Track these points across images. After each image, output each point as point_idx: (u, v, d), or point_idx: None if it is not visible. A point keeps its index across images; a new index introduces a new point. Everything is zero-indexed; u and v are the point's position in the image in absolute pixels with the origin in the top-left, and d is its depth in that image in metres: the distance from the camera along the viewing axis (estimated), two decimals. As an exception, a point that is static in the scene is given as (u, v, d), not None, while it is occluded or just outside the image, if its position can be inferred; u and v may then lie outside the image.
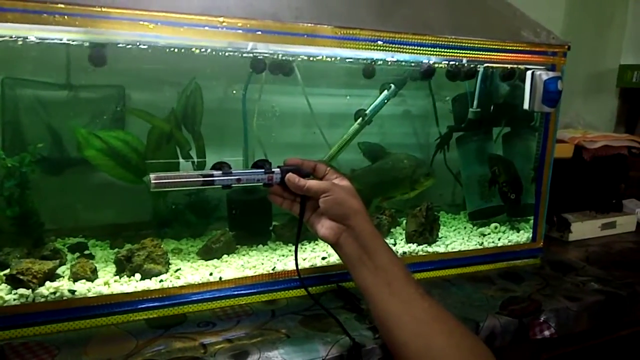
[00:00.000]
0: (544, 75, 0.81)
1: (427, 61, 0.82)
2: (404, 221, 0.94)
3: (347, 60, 0.81)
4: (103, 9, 0.56)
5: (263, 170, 0.64)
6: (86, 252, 0.76)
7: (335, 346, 0.60)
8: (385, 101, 0.94)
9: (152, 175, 0.58)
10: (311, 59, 0.77)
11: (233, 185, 0.63)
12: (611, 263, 0.94)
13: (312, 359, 0.58)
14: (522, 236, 0.92)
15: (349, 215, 0.61)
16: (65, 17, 0.55)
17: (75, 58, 0.77)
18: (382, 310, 0.58)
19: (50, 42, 0.62)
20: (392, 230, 0.93)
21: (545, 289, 0.80)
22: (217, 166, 0.63)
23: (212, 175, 0.62)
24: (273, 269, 0.74)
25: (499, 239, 0.91)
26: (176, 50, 0.67)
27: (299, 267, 0.73)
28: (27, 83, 0.79)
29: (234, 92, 0.87)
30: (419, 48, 0.74)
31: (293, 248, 0.69)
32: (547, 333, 0.73)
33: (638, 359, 0.90)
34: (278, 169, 0.65)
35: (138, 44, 0.64)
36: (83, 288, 0.63)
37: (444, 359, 0.54)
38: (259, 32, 0.64)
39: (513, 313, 0.71)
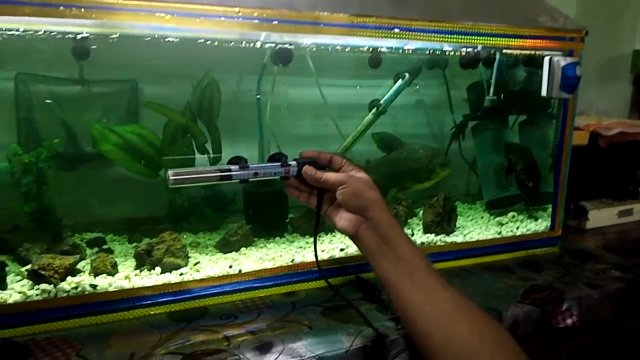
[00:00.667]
0: (562, 61, 0.80)
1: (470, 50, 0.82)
2: (421, 211, 0.93)
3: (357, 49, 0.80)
4: (120, 1, 0.55)
5: (280, 163, 0.64)
6: (104, 246, 0.76)
7: (359, 337, 0.60)
8: (400, 91, 0.93)
9: (170, 172, 0.58)
10: (322, 48, 0.76)
11: (250, 179, 0.63)
12: (629, 250, 0.93)
13: (336, 350, 0.58)
14: (540, 225, 0.91)
15: (367, 207, 0.61)
16: (82, 9, 0.54)
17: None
18: (404, 301, 0.58)
19: (64, 36, 0.62)
20: (409, 220, 0.93)
21: (565, 277, 0.79)
22: (233, 161, 0.63)
23: (229, 170, 0.61)
24: (292, 261, 0.74)
25: (517, 228, 0.90)
26: (192, 42, 0.67)
27: (319, 259, 0.73)
28: (40, 78, 0.78)
29: (258, 95, 0.86)
30: (436, 35, 0.73)
31: (310, 240, 0.69)
32: (569, 321, 0.72)
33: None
34: (294, 162, 0.64)
35: (156, 36, 0.63)
36: (104, 282, 0.64)
37: (467, 348, 0.54)
38: (275, 22, 0.63)
39: (535, 302, 0.70)
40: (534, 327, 0.70)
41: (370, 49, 0.84)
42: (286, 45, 0.74)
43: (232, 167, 0.61)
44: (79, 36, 0.65)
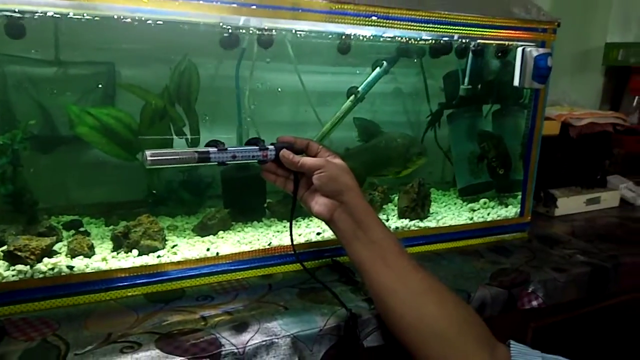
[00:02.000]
0: (534, 51, 0.82)
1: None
2: (396, 197, 0.95)
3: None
4: (97, -18, 0.55)
5: (258, 147, 0.65)
6: (81, 229, 0.76)
7: (333, 317, 0.62)
8: (378, 78, 0.94)
9: (148, 152, 0.58)
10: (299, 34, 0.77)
11: (228, 162, 0.63)
12: (596, 236, 0.97)
13: (310, 329, 0.60)
14: (510, 211, 0.94)
15: (343, 192, 0.62)
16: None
17: (64, 33, 0.76)
18: (376, 282, 0.60)
19: (38, 16, 0.61)
20: (384, 206, 0.95)
21: (532, 261, 0.83)
22: (211, 144, 0.64)
23: (207, 152, 0.62)
24: (269, 244, 0.75)
25: (488, 214, 0.93)
26: (167, 25, 0.67)
27: (295, 242, 0.75)
28: (15, 59, 0.77)
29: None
30: (412, 24, 0.74)
31: (288, 224, 0.70)
32: (535, 303, 0.75)
33: (623, 327, 0.93)
34: (272, 146, 0.65)
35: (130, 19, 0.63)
36: (81, 264, 0.64)
37: (437, 328, 0.56)
38: (254, 7, 0.64)
39: (502, 284, 0.73)
40: (500, 309, 0.73)
41: (342, 36, 0.84)
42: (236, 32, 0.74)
43: (211, 149, 0.62)
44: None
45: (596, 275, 0.82)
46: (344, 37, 0.80)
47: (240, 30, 0.74)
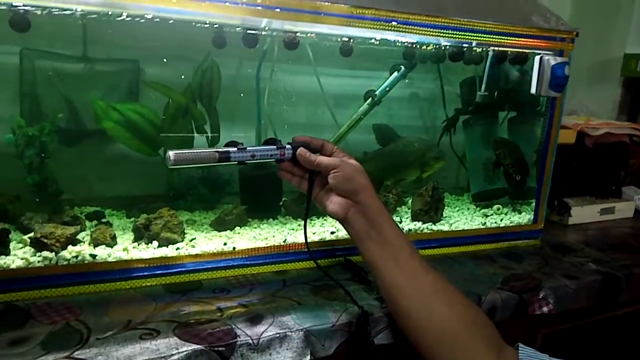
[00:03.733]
0: (552, 60, 0.83)
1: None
2: (410, 200, 0.96)
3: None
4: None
5: (275, 146, 0.66)
6: (103, 220, 0.79)
7: (345, 314, 0.63)
8: (395, 82, 0.96)
9: (170, 152, 0.59)
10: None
11: (247, 161, 0.65)
12: (609, 246, 0.97)
13: (323, 324, 0.61)
14: (523, 218, 0.94)
15: (358, 191, 0.64)
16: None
17: (92, 31, 0.78)
18: (388, 282, 0.61)
19: (67, 14, 0.63)
20: (398, 208, 0.96)
21: (544, 267, 0.83)
22: (230, 144, 0.65)
23: (228, 152, 0.63)
24: (284, 241, 0.77)
25: (501, 220, 0.93)
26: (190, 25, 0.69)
27: (309, 240, 0.76)
28: (45, 54, 0.80)
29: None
30: (431, 30, 0.76)
31: (302, 222, 0.71)
32: (545, 309, 0.76)
33: (632, 337, 0.93)
34: (289, 146, 0.67)
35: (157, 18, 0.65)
36: (103, 253, 0.66)
37: (446, 328, 0.57)
38: (278, 9, 0.66)
39: (514, 289, 0.74)
40: (511, 313, 0.73)
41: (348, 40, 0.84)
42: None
43: (231, 149, 0.64)
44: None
45: (607, 284, 0.82)
46: (346, 40, 0.80)
47: (262, 32, 0.76)
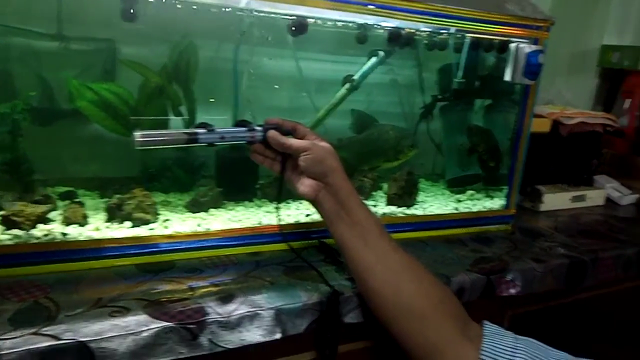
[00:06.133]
0: (526, 48, 0.84)
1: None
2: (386, 185, 0.97)
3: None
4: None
5: (246, 128, 0.66)
6: (76, 199, 0.78)
7: (316, 293, 0.64)
8: (373, 68, 0.96)
9: (137, 133, 0.59)
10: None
11: (217, 143, 0.65)
12: (578, 232, 1.00)
13: (294, 303, 0.62)
14: (495, 203, 0.96)
15: (328, 174, 0.65)
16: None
17: (67, 9, 0.77)
18: (357, 261, 0.63)
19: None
20: (373, 193, 0.97)
21: (514, 251, 0.85)
22: (200, 126, 0.65)
23: (196, 134, 0.63)
24: (259, 223, 0.77)
25: (474, 205, 0.95)
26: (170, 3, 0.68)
27: (283, 222, 0.77)
28: (17, 31, 0.79)
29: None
30: (408, 14, 0.76)
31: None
32: (512, 291, 0.78)
33: (597, 320, 0.96)
34: (260, 128, 0.67)
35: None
36: (74, 232, 0.66)
37: (413, 305, 0.59)
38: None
39: (482, 271, 0.76)
40: (479, 294, 0.75)
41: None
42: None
43: (199, 130, 0.63)
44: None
45: (574, 268, 0.85)
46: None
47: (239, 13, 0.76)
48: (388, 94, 1.12)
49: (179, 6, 0.70)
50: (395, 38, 0.86)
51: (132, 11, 0.67)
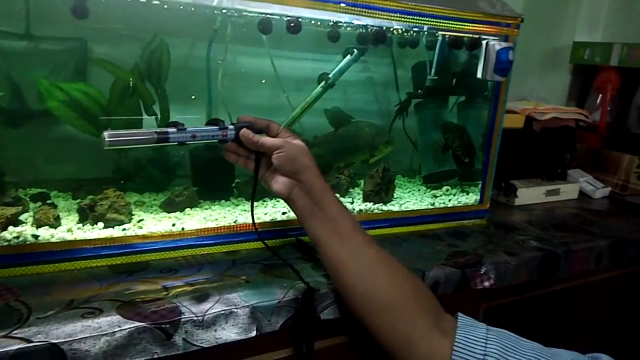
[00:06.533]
0: (497, 45, 0.85)
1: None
2: (362, 182, 0.98)
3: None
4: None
5: (217, 127, 0.66)
6: (48, 201, 0.77)
7: (292, 290, 0.64)
8: (348, 66, 0.97)
9: (106, 133, 0.58)
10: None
11: (188, 142, 0.64)
12: (552, 225, 1.02)
13: (269, 300, 0.62)
14: (470, 198, 0.98)
15: (301, 171, 0.65)
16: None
17: (36, 7, 0.76)
18: (332, 257, 0.63)
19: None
20: (350, 190, 0.97)
21: (488, 245, 0.87)
22: (170, 125, 0.64)
23: (167, 133, 0.62)
24: (235, 222, 0.77)
25: (449, 200, 0.96)
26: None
27: (260, 221, 0.77)
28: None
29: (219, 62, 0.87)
30: (380, 12, 0.77)
31: (255, 204, 0.72)
32: (486, 284, 0.79)
33: (570, 311, 0.98)
34: (232, 126, 0.67)
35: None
36: (46, 234, 0.65)
37: (386, 299, 0.59)
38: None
39: (456, 264, 0.77)
40: (454, 288, 0.76)
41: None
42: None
43: (170, 129, 0.63)
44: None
45: (547, 261, 0.87)
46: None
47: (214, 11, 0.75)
48: (365, 92, 1.13)
49: (155, 2, 0.69)
50: (368, 36, 0.87)
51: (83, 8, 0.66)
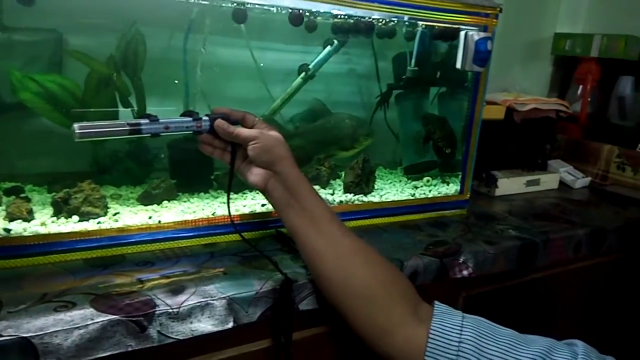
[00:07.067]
0: (475, 35, 0.85)
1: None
2: (343, 173, 0.98)
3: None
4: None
5: (191, 118, 0.65)
6: (22, 195, 0.76)
7: (270, 281, 0.64)
8: (328, 57, 0.96)
9: (76, 125, 0.57)
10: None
11: (161, 133, 0.64)
12: (531, 215, 1.03)
13: (247, 291, 0.62)
14: (451, 189, 0.98)
15: (276, 162, 0.65)
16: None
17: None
18: (309, 248, 0.63)
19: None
20: (331, 181, 0.97)
21: (467, 234, 0.87)
22: (144, 116, 0.63)
23: (139, 124, 0.62)
24: (213, 214, 0.76)
25: (430, 191, 0.97)
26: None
27: (240, 213, 0.77)
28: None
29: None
30: (359, 2, 0.76)
31: (233, 196, 0.72)
32: (465, 273, 0.80)
33: (549, 299, 0.99)
34: (206, 117, 0.66)
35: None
36: (19, 227, 0.64)
37: (363, 288, 0.60)
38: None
39: (435, 254, 0.77)
40: (433, 277, 0.77)
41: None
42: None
43: (142, 120, 0.62)
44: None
45: (526, 249, 0.87)
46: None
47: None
48: (346, 84, 1.12)
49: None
50: (345, 27, 0.87)
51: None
